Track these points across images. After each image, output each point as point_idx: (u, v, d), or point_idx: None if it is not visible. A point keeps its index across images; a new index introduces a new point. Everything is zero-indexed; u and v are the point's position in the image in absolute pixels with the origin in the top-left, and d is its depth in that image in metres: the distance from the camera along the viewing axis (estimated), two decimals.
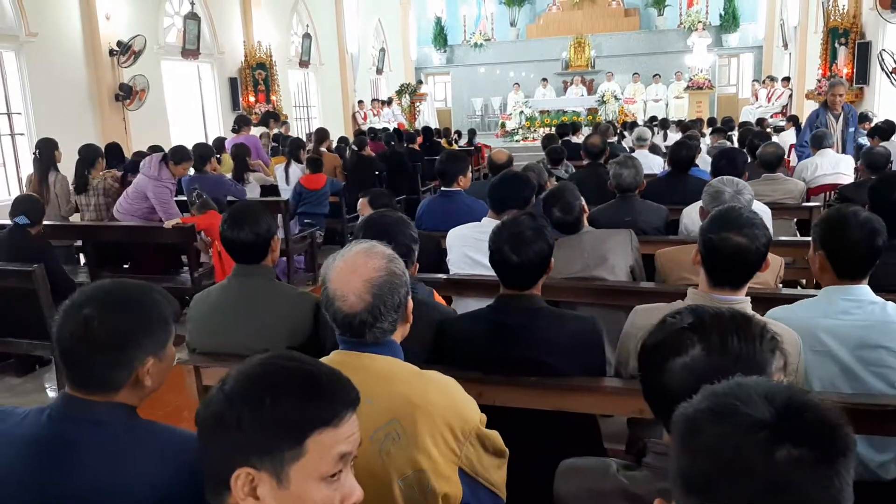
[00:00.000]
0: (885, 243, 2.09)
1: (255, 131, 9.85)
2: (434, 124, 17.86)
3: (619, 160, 4.48)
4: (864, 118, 9.27)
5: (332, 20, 16.40)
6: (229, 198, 6.24)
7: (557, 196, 3.35)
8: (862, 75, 10.40)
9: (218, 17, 12.33)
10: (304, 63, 15.23)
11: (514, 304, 2.18)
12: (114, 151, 7.85)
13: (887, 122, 6.41)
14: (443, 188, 4.60)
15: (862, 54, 10.36)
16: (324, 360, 1.62)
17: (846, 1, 10.81)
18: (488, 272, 3.43)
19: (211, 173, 6.15)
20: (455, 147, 12.39)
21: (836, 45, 10.81)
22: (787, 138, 10.17)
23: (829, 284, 2.15)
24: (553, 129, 16.89)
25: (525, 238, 2.13)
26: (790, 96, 15.66)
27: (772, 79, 16.39)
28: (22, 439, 1.42)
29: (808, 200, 5.33)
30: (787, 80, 15.94)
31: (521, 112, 17.41)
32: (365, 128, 15.42)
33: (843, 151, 6.51)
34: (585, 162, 5.85)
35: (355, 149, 8.37)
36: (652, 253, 3.71)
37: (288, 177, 7.18)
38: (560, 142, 8.62)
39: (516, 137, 17.12)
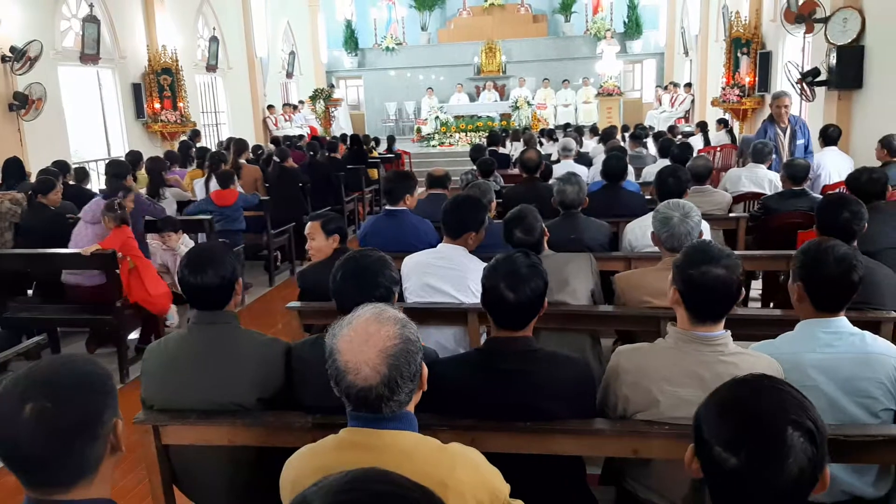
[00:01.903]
0: (860, 279, 2.14)
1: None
2: (349, 129, 17.60)
3: (562, 177, 4.48)
4: None
5: (239, 23, 15.85)
6: (148, 217, 5.89)
7: (520, 217, 3.30)
8: (763, 84, 10.96)
9: (119, 20, 11.64)
10: (211, 67, 14.63)
11: (508, 347, 2.10)
12: (13, 168, 7.27)
13: (834, 128, 6.52)
14: (388, 207, 4.49)
15: (763, 64, 10.92)
16: (336, 438, 1.49)
17: (747, 13, 11.37)
18: (448, 300, 3.37)
19: None
20: (375, 154, 12.23)
21: (739, 54, 11.35)
22: (696, 144, 10.62)
23: (807, 315, 2.18)
24: (467, 134, 17.06)
25: (521, 275, 2.05)
26: (692, 101, 16.38)
27: (675, 85, 17.10)
28: None
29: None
30: (689, 85, 16.67)
31: (437, 117, 17.40)
32: (277, 133, 15.02)
33: None
34: (523, 176, 5.83)
35: (277, 160, 8.07)
36: (600, 270, 3.74)
37: (208, 191, 6.83)
38: (487, 152, 8.64)
39: (433, 143, 17.10)
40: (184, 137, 12.08)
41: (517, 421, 2.07)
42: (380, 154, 12.50)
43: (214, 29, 14.78)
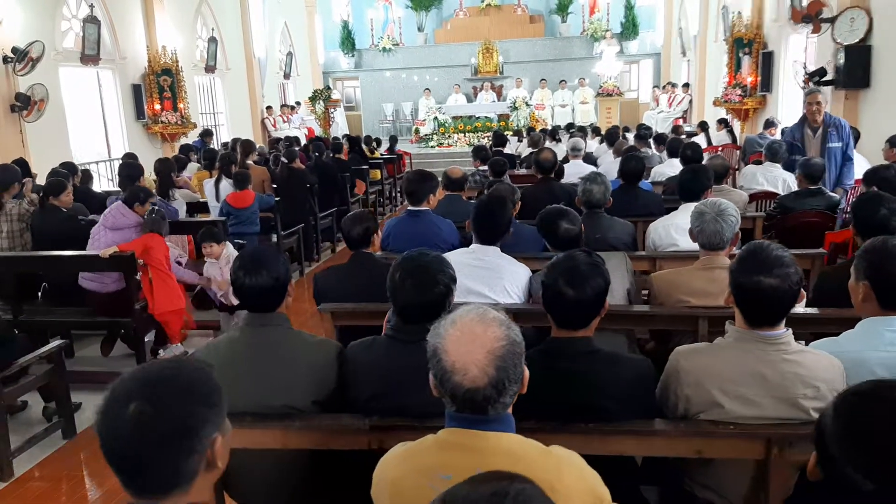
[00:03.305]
0: None
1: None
2: (346, 130, 17.55)
3: (588, 176, 4.47)
4: (769, 124, 9.82)
5: (237, 23, 15.78)
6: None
7: (563, 211, 3.31)
8: (766, 83, 11.01)
9: (119, 21, 11.57)
10: (210, 68, 14.57)
11: (569, 348, 2.08)
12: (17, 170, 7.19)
13: (851, 129, 6.15)
14: (410, 208, 4.46)
15: (766, 63, 10.97)
16: (437, 439, 1.46)
17: (749, 13, 11.41)
18: (483, 300, 3.35)
19: None
20: (376, 155, 12.20)
21: (741, 54, 11.39)
22: (698, 143, 10.66)
23: (871, 314, 2.17)
24: (466, 135, 17.05)
25: (582, 273, 2.03)
26: (690, 102, 16.43)
27: (672, 85, 17.15)
28: None
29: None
30: (686, 86, 16.73)
31: (435, 118, 17.38)
32: (277, 135, 14.96)
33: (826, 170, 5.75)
34: (538, 176, 5.82)
35: (285, 161, 8.03)
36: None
37: (218, 193, 6.78)
38: (492, 152, 8.61)
39: (431, 143, 17.08)
40: (185, 141, 12.03)
41: (578, 422, 2.05)
42: (382, 155, 12.47)
43: (213, 30, 14.72)
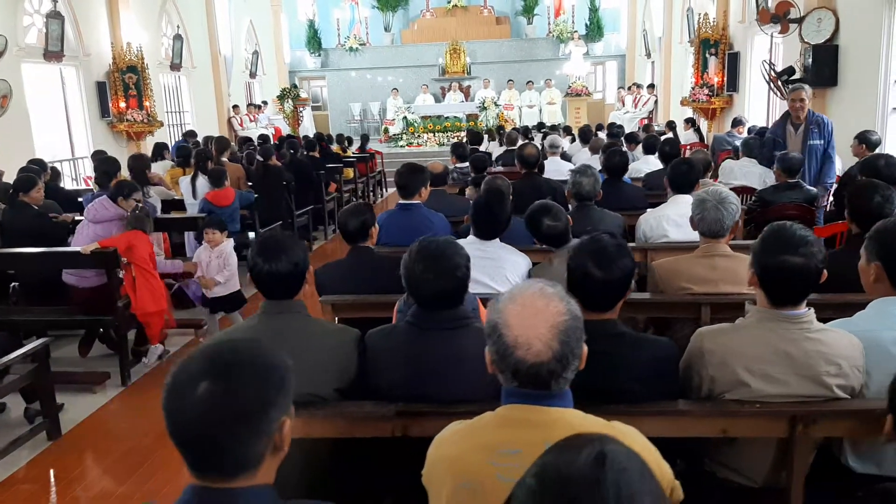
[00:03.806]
0: None
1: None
2: (312, 130, 17.39)
3: (578, 169, 4.51)
4: (737, 122, 10.03)
5: (202, 21, 15.51)
6: None
7: (547, 208, 3.33)
8: (732, 83, 11.24)
9: (82, 17, 11.27)
10: (175, 66, 14.29)
11: (595, 330, 2.06)
12: None
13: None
14: (402, 201, 4.43)
15: (732, 64, 11.20)
16: (497, 416, 1.44)
17: (715, 14, 11.64)
18: (485, 290, 3.34)
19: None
20: (349, 154, 12.12)
21: (707, 55, 11.61)
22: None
23: (883, 294, 2.21)
24: (435, 134, 17.05)
25: (610, 254, 2.04)
26: (656, 102, 16.69)
27: (637, 86, 17.40)
28: None
29: None
30: (651, 86, 16.98)
31: (405, 118, 17.34)
32: (243, 134, 14.74)
33: (804, 167, 5.73)
34: (522, 171, 5.84)
35: (261, 158, 7.92)
36: None
37: (195, 190, 6.64)
38: (469, 150, 8.62)
39: (401, 143, 17.04)
40: (151, 139, 11.77)
41: (601, 404, 2.05)
42: (353, 154, 12.39)
43: (178, 27, 14.44)
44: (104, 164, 5.50)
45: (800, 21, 8.17)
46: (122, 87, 11.88)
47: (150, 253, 4.69)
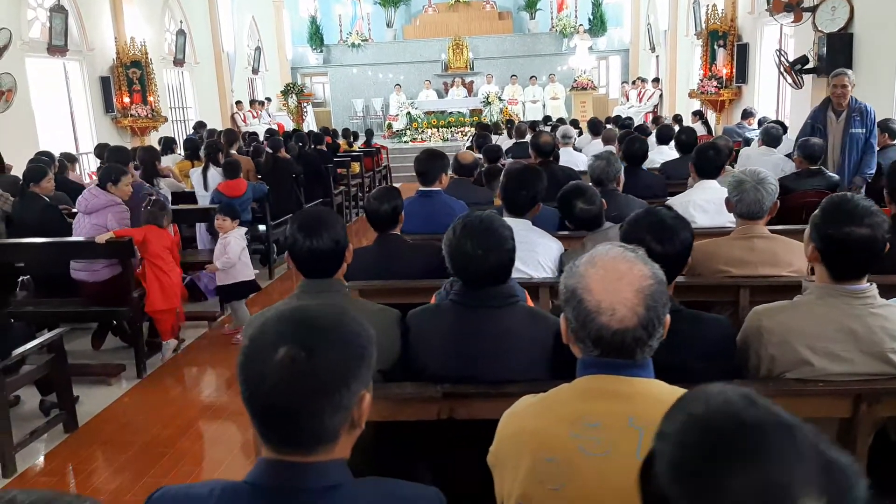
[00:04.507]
0: None
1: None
2: (314, 126, 17.30)
3: (599, 154, 4.44)
4: (747, 114, 9.95)
5: (205, 16, 15.43)
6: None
7: (580, 190, 3.24)
8: (741, 75, 11.16)
9: (86, 11, 11.18)
10: (178, 62, 14.19)
11: None
12: None
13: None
14: (421, 188, 4.35)
15: (741, 55, 11.11)
16: (576, 388, 1.36)
17: (723, 6, 11.56)
18: (517, 275, 3.26)
19: None
20: (355, 148, 12.04)
21: (715, 46, 11.53)
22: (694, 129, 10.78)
23: None
24: (439, 129, 16.97)
25: (669, 226, 1.97)
26: (661, 96, 16.61)
27: (642, 80, 17.31)
28: None
29: None
30: (656, 80, 16.90)
31: (408, 113, 17.25)
32: (245, 129, 14.65)
33: (843, 156, 5.57)
34: (537, 160, 5.76)
35: (270, 151, 7.83)
36: None
37: (206, 182, 6.56)
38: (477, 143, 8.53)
39: (404, 138, 16.95)
40: (155, 134, 11.68)
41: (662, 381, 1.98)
42: (359, 148, 12.31)
43: (181, 22, 14.35)
44: (115, 155, 5.40)
45: (813, 10, 8.09)
46: (127, 82, 11.79)
47: (167, 246, 4.60)
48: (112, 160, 5.26)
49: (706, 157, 4.21)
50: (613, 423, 1.28)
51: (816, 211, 2.10)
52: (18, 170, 6.78)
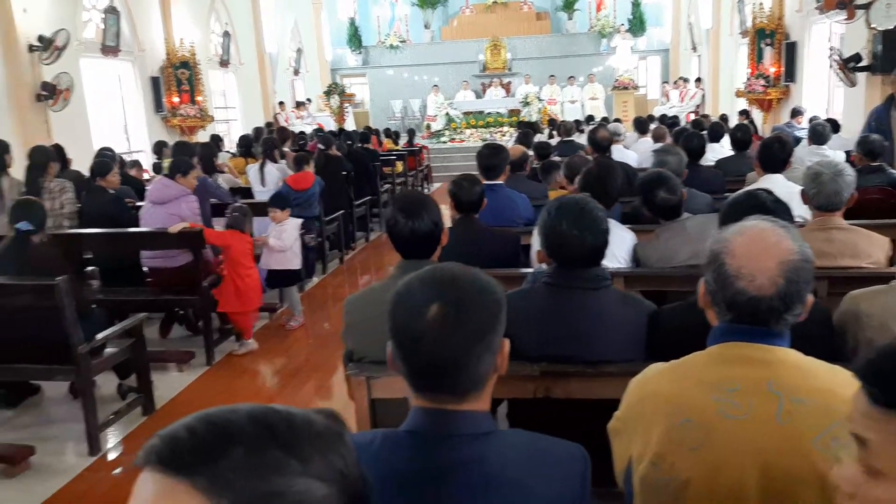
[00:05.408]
0: None
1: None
2: (353, 126, 17.47)
3: (662, 148, 4.45)
4: (795, 112, 9.83)
5: (249, 19, 15.69)
6: (212, 201, 5.78)
7: (663, 178, 3.25)
8: (790, 73, 11.02)
9: (137, 13, 11.46)
10: (224, 63, 14.47)
11: None
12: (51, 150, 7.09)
13: None
14: (486, 182, 4.40)
15: (789, 53, 10.98)
16: (713, 354, 1.40)
17: (770, 4, 11.44)
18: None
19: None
20: (398, 147, 12.15)
21: (762, 45, 11.40)
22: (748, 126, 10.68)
23: None
24: (477, 129, 17.03)
25: (770, 210, 1.99)
26: (703, 96, 16.46)
27: (684, 80, 17.16)
28: (402, 476, 1.15)
29: None
30: (699, 80, 16.75)
31: (446, 114, 17.34)
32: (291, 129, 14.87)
33: None
34: (594, 156, 5.77)
35: (322, 147, 7.96)
36: None
37: (264, 178, 6.70)
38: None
39: (443, 139, 17.04)
40: (203, 134, 11.91)
41: None
42: (402, 147, 12.42)
43: (227, 24, 14.63)
44: (181, 149, 5.56)
45: (867, 6, 7.97)
46: (175, 83, 12.05)
47: (247, 251, 4.76)
48: (178, 154, 5.40)
49: (771, 151, 4.20)
50: (752, 388, 1.31)
51: None
52: (76, 167, 7.02)
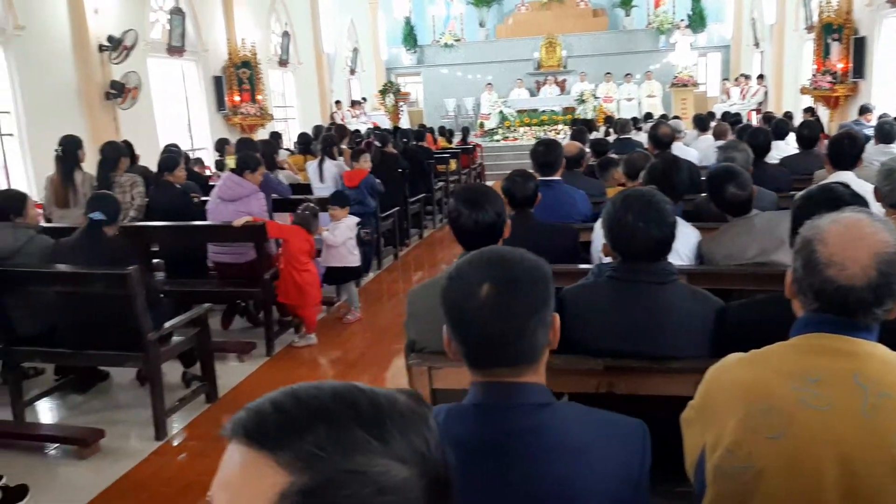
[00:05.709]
0: None
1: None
2: (407, 125, 17.59)
3: (727, 144, 4.36)
4: (864, 110, 9.47)
5: (307, 19, 15.96)
6: (274, 196, 5.90)
7: (733, 173, 3.18)
8: (858, 69, 10.64)
9: (201, 14, 11.78)
10: (283, 62, 14.75)
11: None
12: (122, 152, 7.34)
13: None
14: (542, 177, 4.38)
15: (858, 49, 10.60)
16: (799, 345, 1.36)
17: None
18: None
19: None
20: (453, 145, 12.19)
21: (829, 40, 11.03)
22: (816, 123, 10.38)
23: None
24: (531, 128, 16.93)
25: (847, 204, 1.91)
26: (766, 93, 16.01)
27: (746, 77, 16.73)
28: (466, 446, 1.16)
29: None
30: (761, 77, 16.30)
31: (500, 112, 17.30)
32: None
33: None
34: (654, 151, 5.69)
35: (378, 145, 8.04)
36: None
37: (322, 174, 6.81)
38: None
39: (496, 137, 17.01)
40: (262, 132, 12.18)
41: None
42: (456, 145, 12.46)
43: (286, 24, 14.91)
44: (247, 146, 5.70)
45: None
46: (237, 82, 12.35)
47: (306, 250, 4.86)
48: (242, 151, 5.53)
49: (841, 148, 4.07)
50: (836, 380, 1.27)
51: None
52: (142, 163, 7.24)
